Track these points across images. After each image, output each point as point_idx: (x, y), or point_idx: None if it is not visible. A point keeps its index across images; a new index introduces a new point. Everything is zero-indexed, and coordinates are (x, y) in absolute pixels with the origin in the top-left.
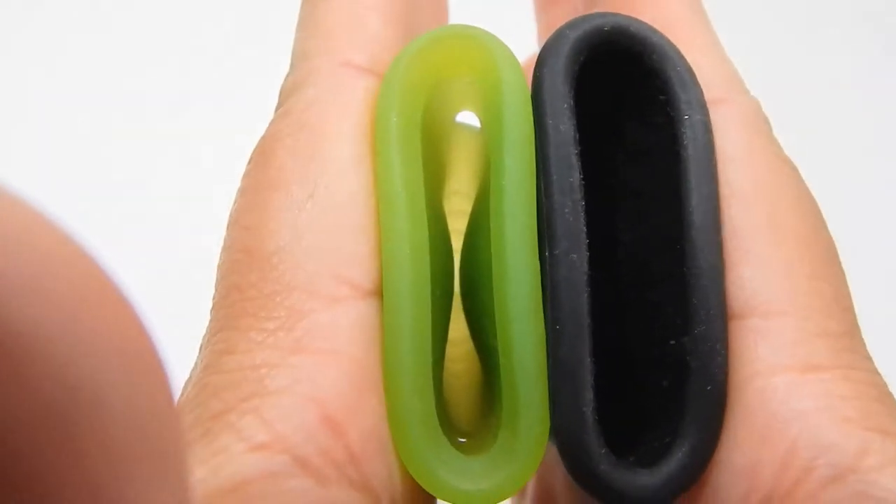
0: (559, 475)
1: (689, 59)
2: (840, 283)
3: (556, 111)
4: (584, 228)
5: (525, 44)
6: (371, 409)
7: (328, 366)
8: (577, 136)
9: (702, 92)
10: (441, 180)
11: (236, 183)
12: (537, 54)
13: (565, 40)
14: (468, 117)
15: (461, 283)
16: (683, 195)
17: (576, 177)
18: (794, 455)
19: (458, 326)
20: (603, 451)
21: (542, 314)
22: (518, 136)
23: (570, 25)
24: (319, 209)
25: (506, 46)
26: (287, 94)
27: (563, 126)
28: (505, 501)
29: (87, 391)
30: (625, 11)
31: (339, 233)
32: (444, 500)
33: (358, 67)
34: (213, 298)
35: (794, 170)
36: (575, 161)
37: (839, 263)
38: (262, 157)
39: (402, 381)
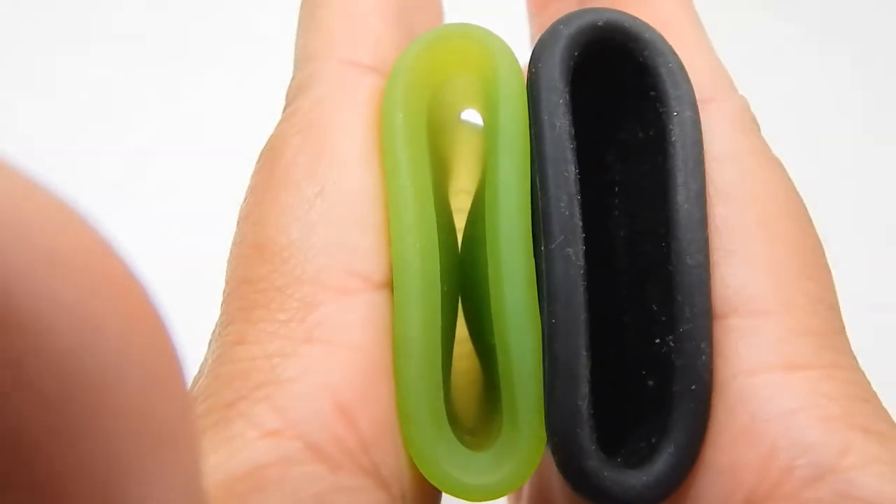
0: (556, 478)
1: (680, 57)
2: (826, 282)
3: (552, 106)
4: (580, 223)
5: (520, 45)
6: (382, 399)
7: (339, 356)
8: (573, 131)
9: (692, 89)
10: (446, 177)
11: (243, 183)
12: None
13: (559, 36)
14: (473, 115)
15: (461, 282)
16: (670, 192)
17: (571, 171)
18: (775, 455)
19: (460, 325)
20: (594, 447)
21: (538, 311)
22: (513, 134)
23: (564, 21)
24: (329, 204)
25: (505, 44)
26: (293, 95)
27: (559, 122)
28: (502, 500)
29: (96, 377)
30: (617, 9)
31: (349, 227)
32: (449, 493)
33: (361, 66)
34: (224, 293)
35: (782, 169)
36: (570, 156)
37: (825, 263)
38: (271, 156)
39: (411, 374)
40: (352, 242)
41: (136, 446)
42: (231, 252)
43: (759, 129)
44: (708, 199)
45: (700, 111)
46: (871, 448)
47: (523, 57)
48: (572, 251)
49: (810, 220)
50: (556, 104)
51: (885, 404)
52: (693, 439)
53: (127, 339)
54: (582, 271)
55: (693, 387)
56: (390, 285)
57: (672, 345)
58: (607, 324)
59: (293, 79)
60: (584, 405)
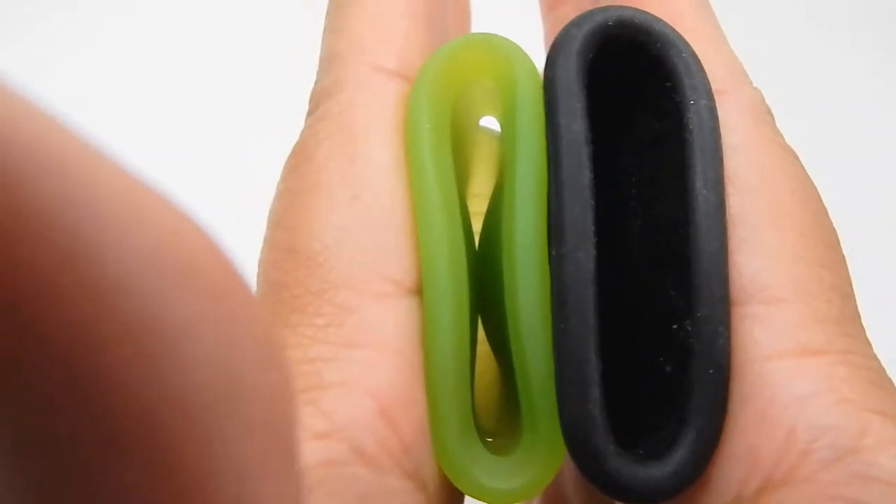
0: (569, 473)
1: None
2: (840, 270)
3: (569, 110)
4: (593, 227)
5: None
6: (420, 402)
7: (379, 360)
8: (590, 135)
9: (707, 78)
10: (465, 181)
11: (263, 183)
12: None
13: (573, 38)
14: (490, 122)
15: (478, 284)
16: (688, 179)
17: (586, 176)
18: (793, 438)
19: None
20: (611, 447)
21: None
22: (531, 140)
23: (576, 23)
24: (362, 209)
25: (524, 52)
26: (319, 97)
27: (576, 125)
28: None
29: (227, 386)
30: (631, 5)
31: (382, 232)
32: (475, 497)
33: (388, 71)
34: None
35: (796, 159)
36: (586, 160)
37: (840, 250)
38: (302, 160)
39: (442, 381)
40: (385, 247)
41: (262, 447)
42: (262, 256)
43: (773, 121)
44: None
45: None
46: (888, 430)
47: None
48: (583, 255)
49: (824, 210)
50: (574, 108)
51: None
52: (713, 425)
53: (259, 365)
54: (592, 276)
55: (711, 371)
56: (420, 291)
57: (690, 329)
58: (624, 314)
59: (318, 80)
60: (595, 409)
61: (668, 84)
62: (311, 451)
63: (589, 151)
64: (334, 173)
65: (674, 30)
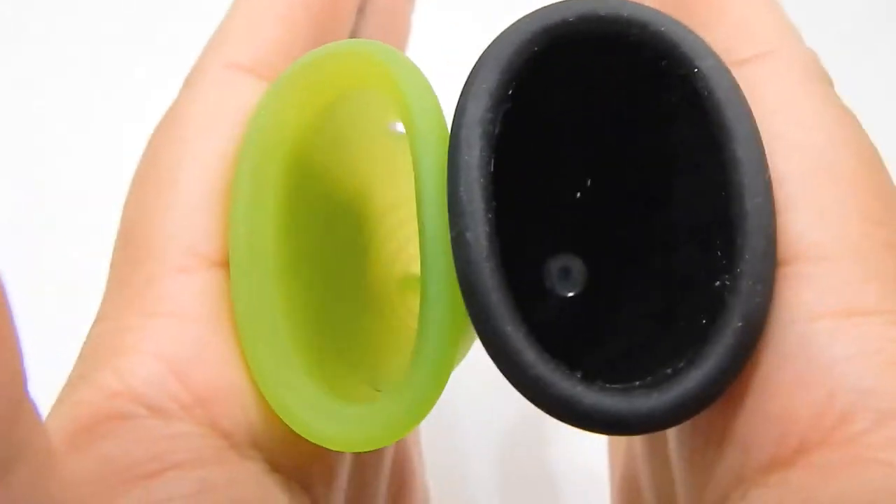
0: (640, 448)
1: (733, 13)
2: None
3: (474, 94)
4: (483, 206)
5: None
6: (216, 360)
7: (174, 326)
8: (491, 116)
9: (699, 39)
10: (359, 184)
11: None
12: None
13: (518, 31)
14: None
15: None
16: (723, 138)
17: (475, 156)
18: (832, 401)
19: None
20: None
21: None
22: (430, 136)
23: (531, 15)
24: (176, 193)
25: (402, 58)
26: (181, 87)
27: (474, 109)
28: None
29: None
30: None
31: (192, 214)
32: (312, 439)
33: (241, 67)
34: None
35: (850, 117)
36: (477, 140)
37: None
38: (147, 147)
39: (245, 339)
40: (193, 226)
41: None
42: None
43: (826, 81)
44: (767, 149)
45: (755, 67)
46: None
47: None
48: (471, 236)
49: (882, 166)
50: (480, 90)
51: None
52: (723, 370)
53: None
54: (485, 255)
55: (739, 324)
56: (227, 264)
57: (728, 284)
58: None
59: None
60: (516, 332)
61: (663, 63)
62: (104, 407)
63: (483, 132)
64: (162, 161)
65: (641, 7)
